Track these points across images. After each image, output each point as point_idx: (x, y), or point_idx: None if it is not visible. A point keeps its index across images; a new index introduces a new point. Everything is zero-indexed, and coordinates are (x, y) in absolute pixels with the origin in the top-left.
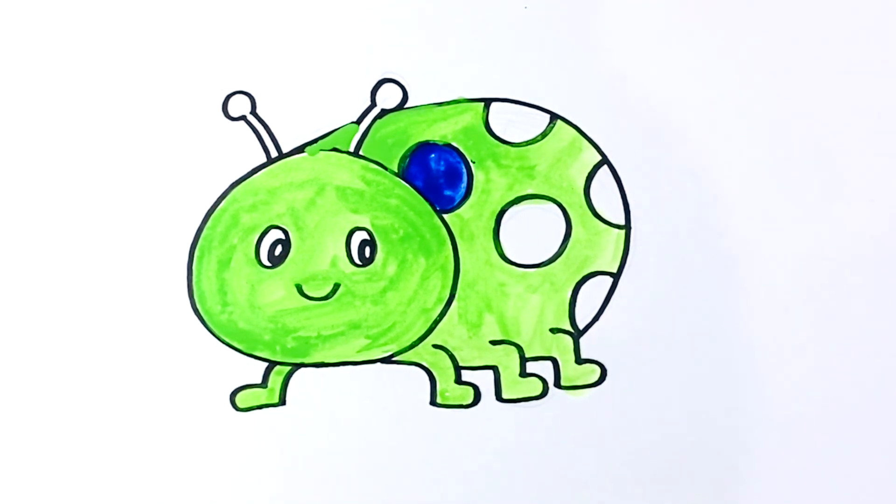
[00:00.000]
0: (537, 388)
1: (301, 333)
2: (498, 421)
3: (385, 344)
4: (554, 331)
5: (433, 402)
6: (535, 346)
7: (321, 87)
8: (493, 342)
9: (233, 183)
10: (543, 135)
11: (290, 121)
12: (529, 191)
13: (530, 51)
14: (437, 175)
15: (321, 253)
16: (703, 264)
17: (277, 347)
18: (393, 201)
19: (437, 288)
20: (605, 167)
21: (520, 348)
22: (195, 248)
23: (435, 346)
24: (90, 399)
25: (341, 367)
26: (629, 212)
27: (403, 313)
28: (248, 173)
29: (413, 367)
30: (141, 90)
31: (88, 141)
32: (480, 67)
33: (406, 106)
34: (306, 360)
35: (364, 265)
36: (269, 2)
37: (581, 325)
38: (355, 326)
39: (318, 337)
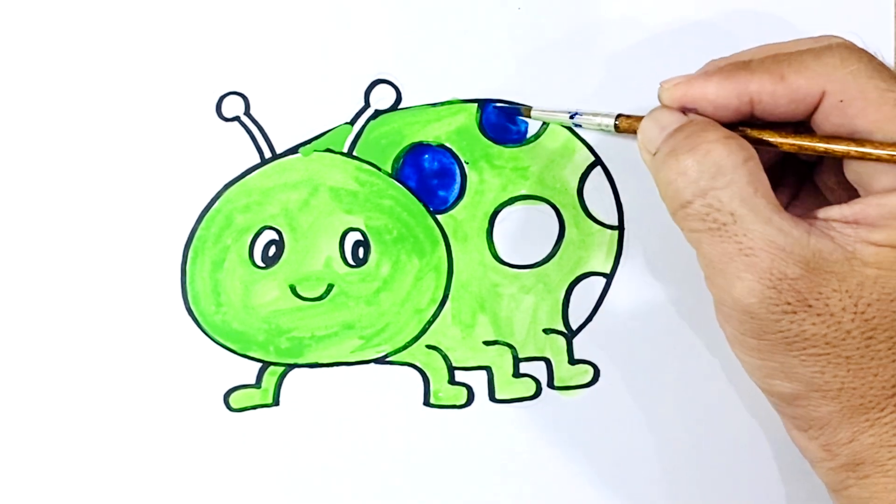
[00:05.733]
0: (531, 388)
1: (295, 334)
2: (491, 421)
3: (379, 344)
4: (547, 331)
5: (427, 403)
6: (528, 346)
7: (315, 87)
8: (487, 343)
9: (226, 183)
10: (537, 136)
11: (283, 121)
12: (523, 191)
13: (524, 51)
14: (430, 176)
15: (315, 253)
16: (695, 265)
17: (271, 348)
18: (386, 202)
19: (431, 288)
20: (599, 168)
21: (513, 349)
22: (189, 248)
23: (428, 347)
24: (83, 399)
25: (335, 368)
26: (622, 213)
27: (397, 314)
28: (242, 174)
29: (406, 368)
30: (134, 91)
31: (82, 141)
32: (474, 68)
33: (399, 107)
34: (300, 361)
35: (358, 266)
36: (263, 3)
37: (574, 326)
38: (349, 327)
39: (312, 337)
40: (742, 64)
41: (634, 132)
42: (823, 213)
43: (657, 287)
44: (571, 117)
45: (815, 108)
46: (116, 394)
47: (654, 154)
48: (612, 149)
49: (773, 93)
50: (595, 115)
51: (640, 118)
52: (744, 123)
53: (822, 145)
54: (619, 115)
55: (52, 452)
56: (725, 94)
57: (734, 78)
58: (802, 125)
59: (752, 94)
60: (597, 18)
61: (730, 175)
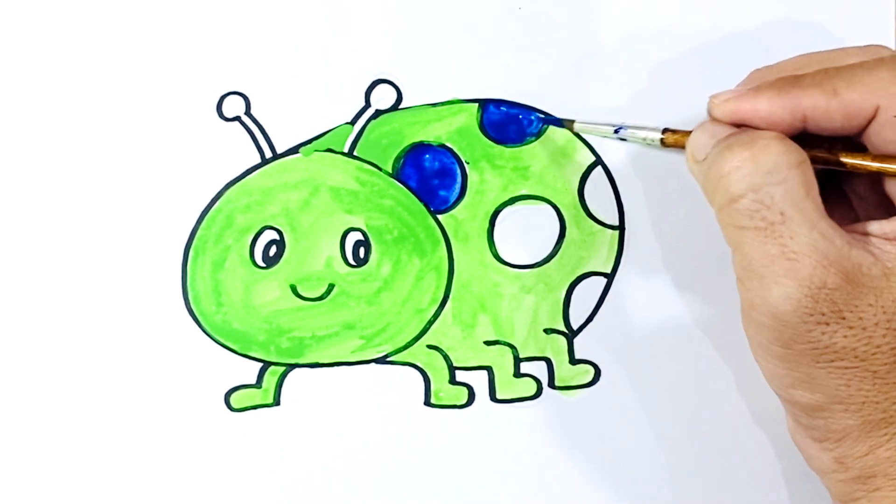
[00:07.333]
0: (531, 388)
1: (295, 334)
2: (492, 421)
3: (379, 344)
4: (548, 331)
5: (427, 403)
6: (529, 346)
7: (316, 87)
8: (488, 342)
9: (227, 183)
10: (538, 136)
11: (284, 121)
12: (524, 191)
13: (525, 51)
14: (431, 175)
15: (316, 253)
16: (696, 265)
17: (272, 348)
18: (387, 202)
19: (432, 288)
20: (599, 168)
21: (514, 349)
22: (189, 248)
23: (429, 347)
24: (84, 399)
25: (336, 368)
26: (623, 213)
27: (398, 314)
28: (243, 174)
29: (407, 368)
30: (135, 91)
31: (82, 141)
32: (475, 68)
33: (400, 107)
34: (301, 361)
35: (358, 266)
36: (263, 3)
37: (575, 326)
38: (350, 327)
39: (313, 337)
40: (792, 79)
41: (680, 147)
42: (861, 227)
43: (658, 287)
44: (616, 132)
45: (868, 123)
46: (117, 394)
47: (703, 159)
48: (613, 149)
49: (826, 108)
50: (640, 128)
51: (687, 133)
52: (794, 138)
53: (875, 164)
54: (665, 130)
55: (53, 452)
56: (777, 111)
57: (786, 94)
58: (853, 139)
59: (804, 109)
60: (597, 18)
61: (785, 173)
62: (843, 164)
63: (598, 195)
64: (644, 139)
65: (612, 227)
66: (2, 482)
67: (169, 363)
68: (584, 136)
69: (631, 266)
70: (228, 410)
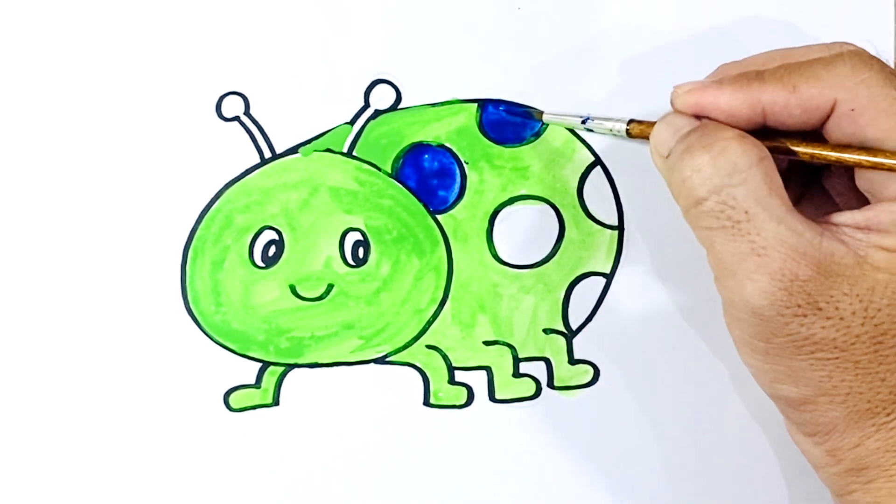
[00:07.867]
0: (530, 388)
1: (295, 334)
2: (491, 421)
3: (378, 344)
4: (547, 331)
5: (426, 403)
6: (528, 346)
7: (315, 87)
8: (487, 343)
9: (226, 183)
10: (537, 135)
11: (283, 121)
12: (523, 191)
13: (524, 52)
14: (430, 175)
15: (315, 253)
16: (695, 265)
17: (271, 348)
18: (386, 202)
19: (431, 288)
20: (599, 168)
21: (513, 349)
22: (189, 248)
23: (428, 347)
24: (83, 399)
25: (335, 368)
26: (622, 213)
27: (397, 314)
28: (242, 174)
29: (406, 368)
30: (134, 91)
31: (82, 142)
32: (474, 68)
33: (399, 107)
34: (300, 361)
35: (357, 266)
36: (263, 3)
37: (574, 326)
38: (349, 327)
39: (312, 337)
40: (754, 74)
41: (646, 137)
42: (834, 217)
43: (657, 287)
44: (583, 122)
45: (827, 118)
46: (116, 394)
47: (667, 156)
48: (612, 149)
49: (785, 103)
50: (607, 119)
51: (651, 123)
52: (756, 131)
53: (834, 154)
54: (630, 121)
55: (53, 452)
56: (738, 104)
57: (746, 88)
58: (813, 133)
59: (764, 104)
60: (596, 18)
61: (745, 173)
62: (802, 155)
63: (598, 195)
64: (611, 130)
65: (611, 228)
66: (2, 482)
67: (168, 363)
68: (583, 136)
69: (630, 266)
70: (228, 410)
